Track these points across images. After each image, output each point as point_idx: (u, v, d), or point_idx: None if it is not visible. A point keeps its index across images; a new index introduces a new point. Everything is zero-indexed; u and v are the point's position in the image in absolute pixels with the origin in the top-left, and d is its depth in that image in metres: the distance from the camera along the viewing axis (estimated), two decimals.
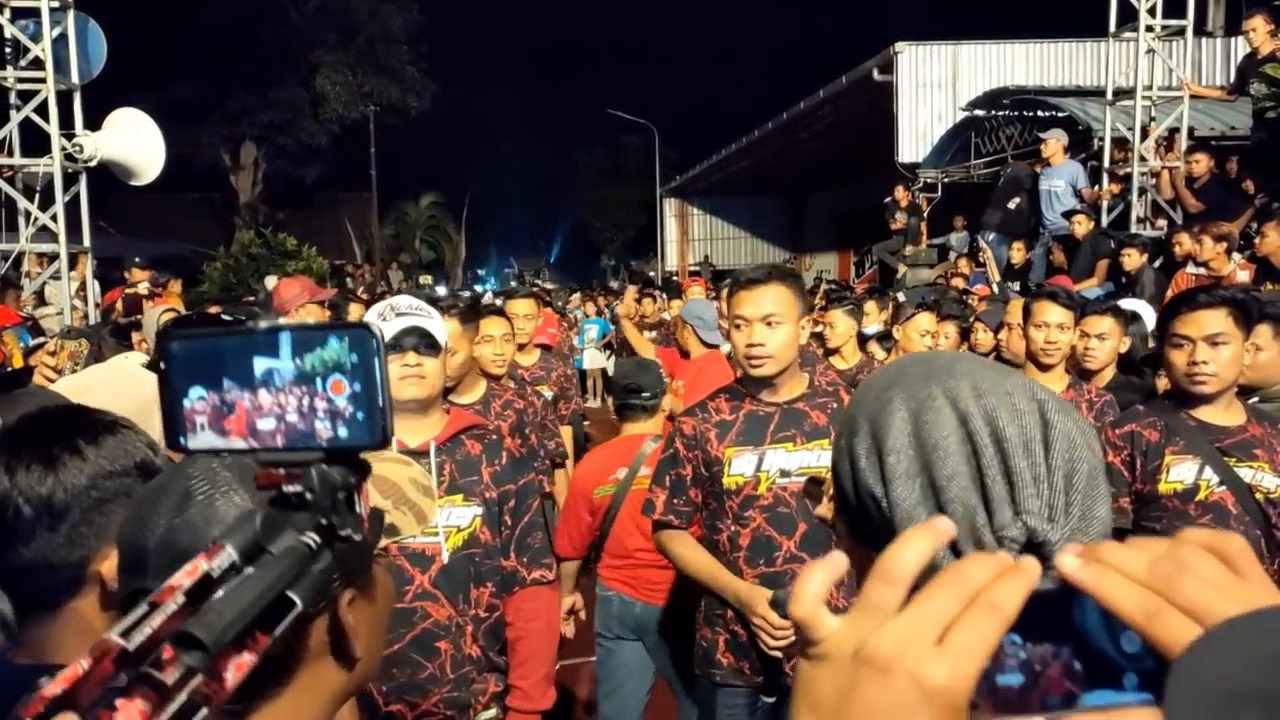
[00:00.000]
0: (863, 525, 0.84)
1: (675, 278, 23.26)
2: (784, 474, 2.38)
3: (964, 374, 0.82)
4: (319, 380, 0.62)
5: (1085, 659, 0.47)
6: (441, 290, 16.45)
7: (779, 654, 2.29)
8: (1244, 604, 0.45)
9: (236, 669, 0.51)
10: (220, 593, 0.53)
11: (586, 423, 11.47)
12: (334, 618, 0.80)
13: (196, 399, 0.65)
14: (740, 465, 2.39)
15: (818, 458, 2.39)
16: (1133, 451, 2.60)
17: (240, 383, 0.64)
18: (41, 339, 3.45)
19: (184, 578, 0.52)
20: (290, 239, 18.78)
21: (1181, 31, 8.59)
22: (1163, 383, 3.37)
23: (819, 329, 4.92)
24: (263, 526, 0.57)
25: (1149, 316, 4.20)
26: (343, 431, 0.62)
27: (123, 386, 1.86)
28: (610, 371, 11.30)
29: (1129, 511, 2.59)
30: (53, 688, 0.43)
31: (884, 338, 5.36)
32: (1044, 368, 3.31)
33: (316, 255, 18.91)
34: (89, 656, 0.46)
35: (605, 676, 3.24)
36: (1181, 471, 2.52)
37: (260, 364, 0.64)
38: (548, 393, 4.32)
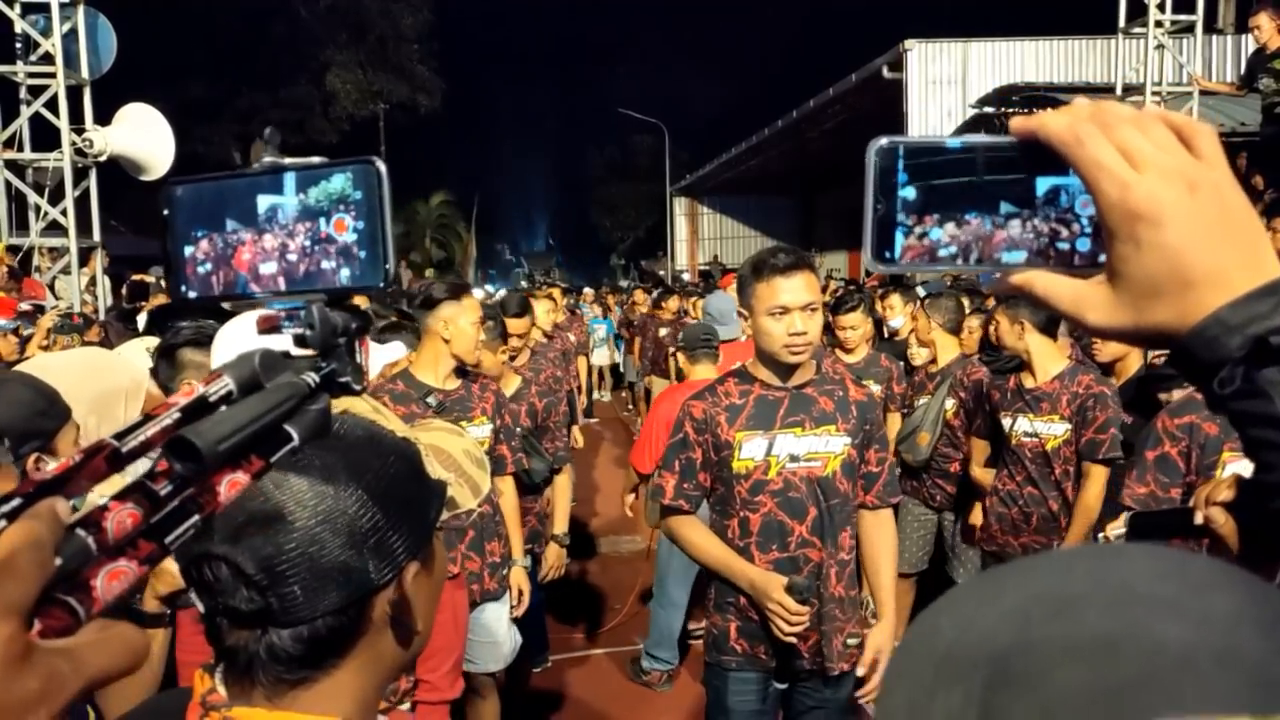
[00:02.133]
0: None
1: (685, 275, 23.25)
2: (793, 458, 2.38)
3: None
4: (322, 218, 0.60)
5: (1046, 231, 0.50)
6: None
7: (793, 639, 2.30)
8: (1184, 175, 0.46)
9: (230, 486, 0.51)
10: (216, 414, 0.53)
11: (594, 420, 11.66)
12: (399, 591, 0.79)
13: (200, 243, 0.63)
14: (750, 449, 2.39)
15: (825, 443, 2.39)
16: (1190, 444, 2.49)
17: (244, 222, 0.62)
18: (16, 323, 3.47)
19: (180, 398, 0.52)
20: None
21: (1191, 28, 8.54)
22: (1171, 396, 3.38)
23: (843, 332, 4.84)
24: (261, 364, 0.56)
25: None
26: (345, 273, 0.60)
27: (87, 373, 1.85)
28: (622, 367, 11.40)
29: (1176, 503, 2.51)
30: (44, 474, 0.43)
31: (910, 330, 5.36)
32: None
33: None
34: (82, 452, 0.46)
35: (675, 572, 4.30)
36: (1237, 469, 2.40)
37: (264, 201, 0.62)
38: (538, 402, 4.25)
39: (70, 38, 6.51)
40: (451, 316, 3.06)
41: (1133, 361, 3.67)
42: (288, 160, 0.64)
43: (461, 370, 3.28)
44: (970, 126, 13.32)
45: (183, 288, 0.64)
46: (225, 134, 26.08)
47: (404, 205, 35.76)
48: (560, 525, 3.90)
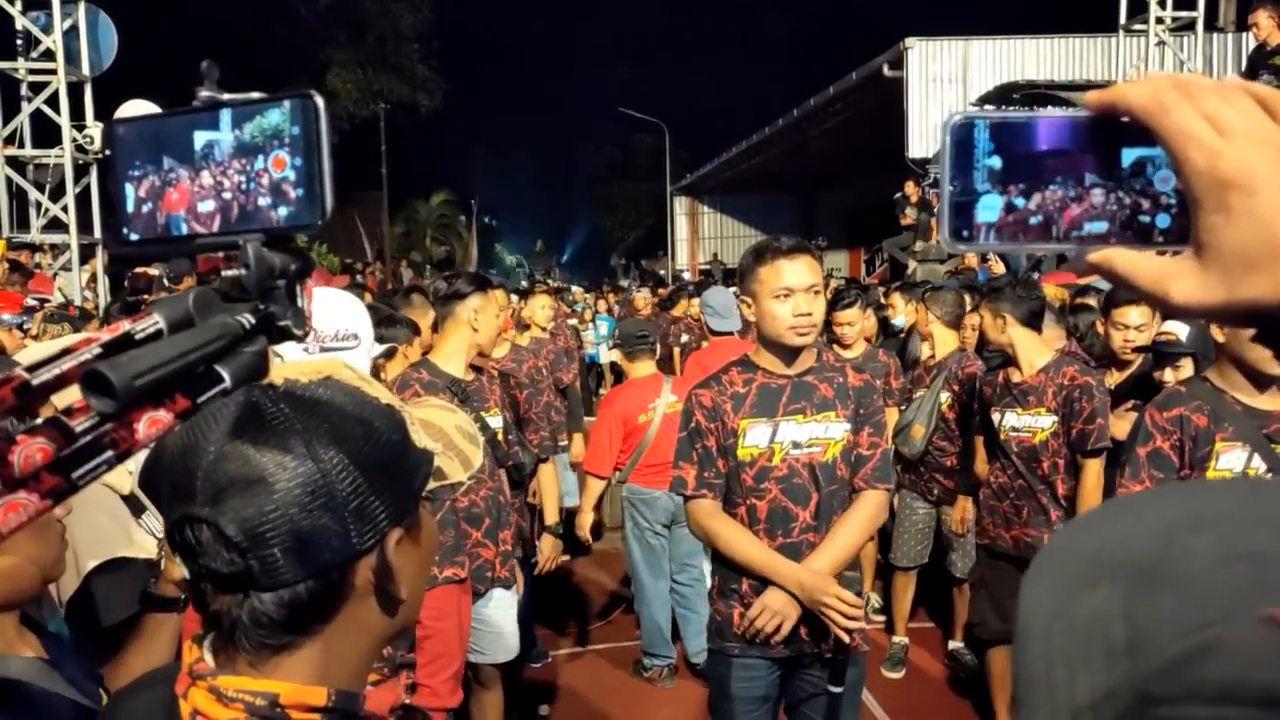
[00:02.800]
0: None
1: (685, 274, 23.24)
2: (796, 445, 2.41)
3: None
4: (260, 155, 0.59)
5: (1128, 205, 0.49)
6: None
7: (846, 636, 2.29)
8: (1274, 142, 0.45)
9: (150, 424, 0.49)
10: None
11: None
12: (381, 557, 0.79)
13: (140, 183, 0.62)
14: (755, 436, 2.41)
15: (825, 429, 2.43)
16: (1182, 437, 2.48)
17: (181, 159, 0.61)
18: (22, 318, 3.48)
19: (104, 334, 0.51)
20: (300, 236, 18.85)
21: (1192, 25, 8.54)
22: (1177, 373, 3.40)
23: (839, 328, 4.88)
24: (195, 303, 0.55)
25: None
26: (283, 210, 0.59)
27: None
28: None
29: None
30: None
31: (910, 330, 5.39)
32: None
33: (327, 253, 19.02)
34: None
35: (647, 564, 4.33)
36: (1231, 459, 2.42)
37: (201, 138, 0.61)
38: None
39: (71, 34, 6.53)
40: (480, 307, 3.15)
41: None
42: (226, 96, 0.62)
43: (472, 365, 3.33)
44: None
45: (124, 229, 0.63)
46: None
47: (405, 205, 35.80)
48: (551, 516, 3.90)
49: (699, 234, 28.60)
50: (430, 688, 2.28)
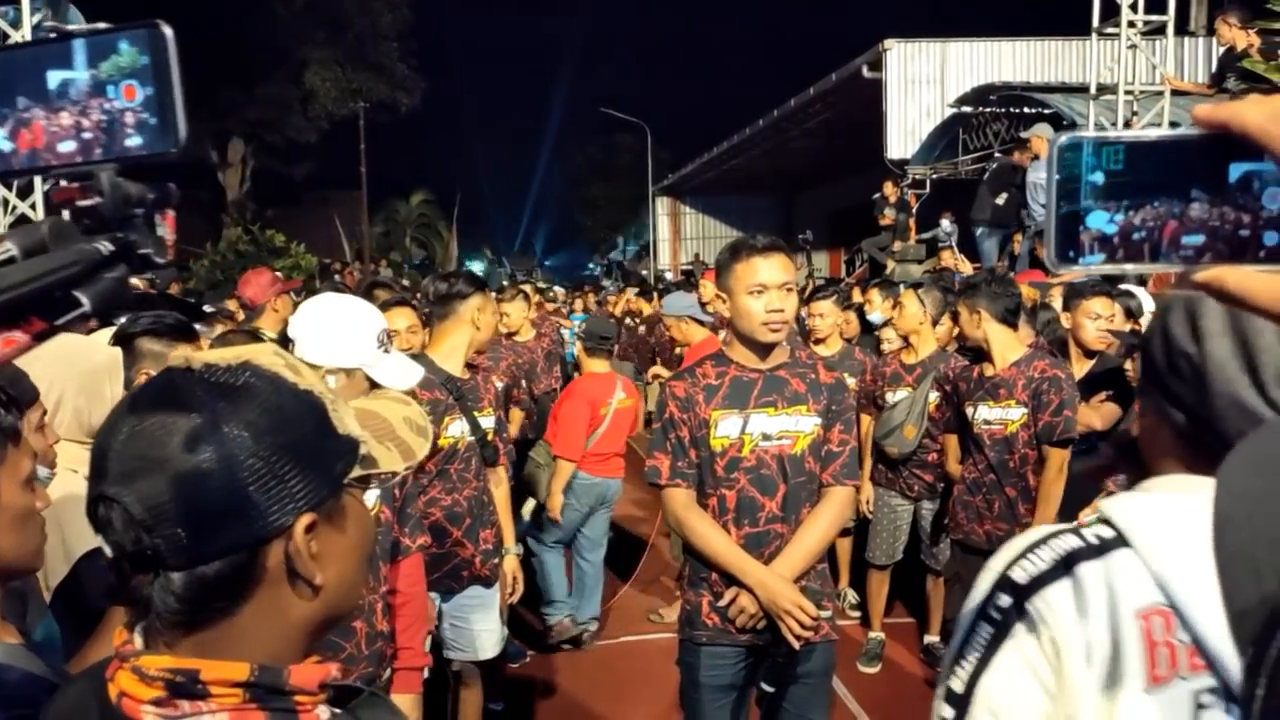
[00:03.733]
0: (1172, 387, 0.99)
1: (668, 274, 23.27)
2: (766, 437, 2.47)
3: None
4: (110, 86, 0.59)
5: (1231, 221, 0.49)
6: None
7: (798, 643, 2.38)
8: None
9: (5, 344, 0.50)
10: None
11: None
12: (294, 541, 0.79)
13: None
14: (726, 427, 2.47)
15: (796, 423, 2.48)
16: None
17: (34, 96, 0.61)
18: None
19: None
20: (279, 236, 18.76)
21: (1162, 29, 8.64)
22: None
23: (812, 320, 4.98)
24: (50, 231, 0.55)
25: (1146, 301, 4.38)
26: (136, 139, 0.59)
27: (67, 357, 1.86)
28: None
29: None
30: None
31: (886, 325, 5.43)
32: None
33: (305, 253, 18.89)
34: None
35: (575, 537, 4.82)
36: None
37: (55, 77, 0.61)
38: (498, 383, 4.22)
39: (41, 30, 6.45)
40: (482, 306, 3.22)
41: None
42: (71, 26, 0.62)
43: (467, 363, 3.34)
44: (948, 126, 13.43)
45: None
46: (201, 131, 25.85)
47: (384, 204, 35.61)
48: (508, 539, 3.72)
49: (681, 234, 28.64)
50: (412, 649, 2.41)
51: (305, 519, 0.79)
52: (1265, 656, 0.36)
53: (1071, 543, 0.98)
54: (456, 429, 3.13)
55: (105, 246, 0.57)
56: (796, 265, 17.56)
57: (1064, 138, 0.53)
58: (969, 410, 3.63)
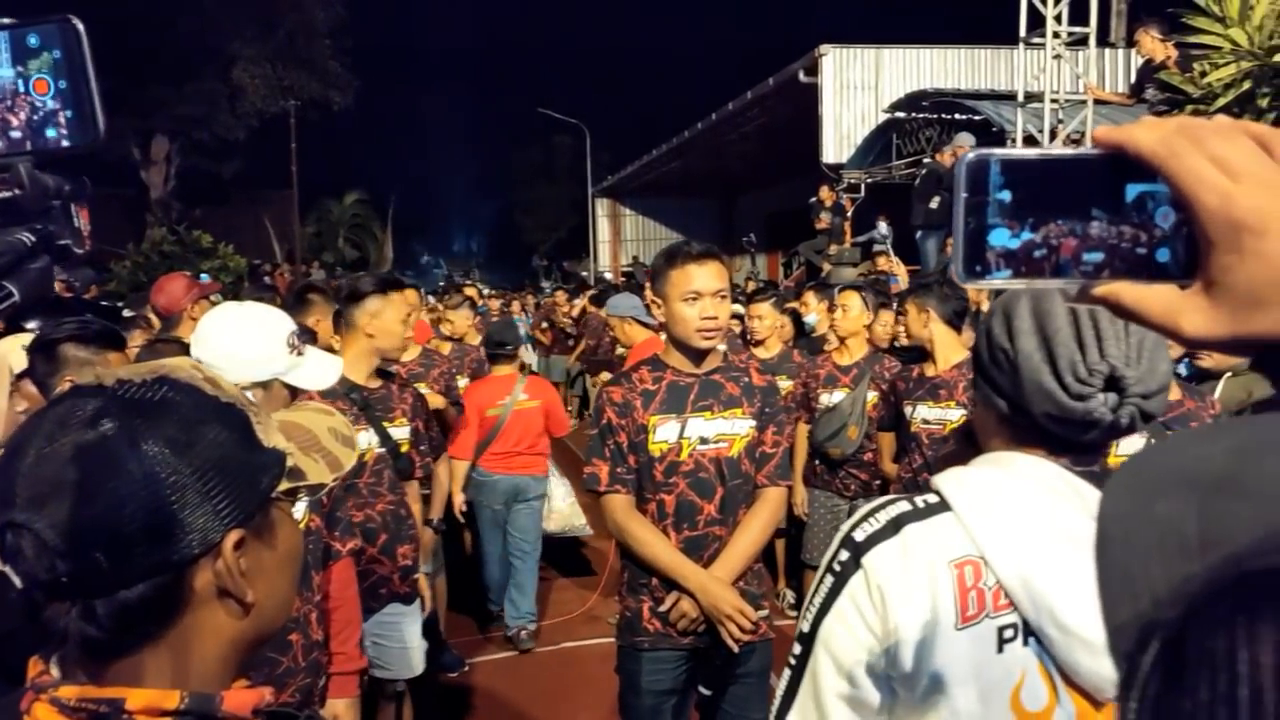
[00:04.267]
0: (995, 378, 1.18)
1: (608, 276, 23.27)
2: (703, 440, 2.49)
3: None
4: (20, 81, 0.59)
5: (1128, 239, 0.52)
6: None
7: (736, 647, 2.38)
8: (1274, 181, 0.48)
9: None
10: None
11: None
12: (222, 559, 0.76)
13: None
14: (664, 432, 2.48)
15: (731, 426, 2.51)
16: None
17: None
18: None
19: None
20: (206, 236, 18.22)
21: (1085, 39, 8.93)
22: None
23: (751, 321, 5.04)
24: None
25: None
26: (51, 132, 0.60)
27: None
28: (535, 367, 11.52)
29: None
30: None
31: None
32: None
33: (234, 254, 18.39)
34: None
35: (487, 534, 4.99)
36: (1126, 446, 2.53)
37: None
38: (425, 389, 4.21)
39: None
40: (377, 310, 3.04)
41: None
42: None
43: (383, 371, 3.23)
44: (882, 131, 13.69)
45: None
46: (124, 127, 25.01)
47: (317, 204, 34.94)
48: (435, 510, 3.91)
49: (621, 236, 28.67)
50: (345, 653, 2.38)
51: (234, 535, 0.76)
52: (1138, 671, 0.37)
53: (903, 508, 1.17)
54: (364, 440, 3.02)
55: (27, 237, 0.57)
56: (736, 268, 17.80)
57: (970, 155, 0.54)
58: (908, 409, 3.69)
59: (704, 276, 2.43)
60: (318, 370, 2.18)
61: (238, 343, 2.05)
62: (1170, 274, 0.51)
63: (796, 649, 1.19)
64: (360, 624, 2.50)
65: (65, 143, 0.59)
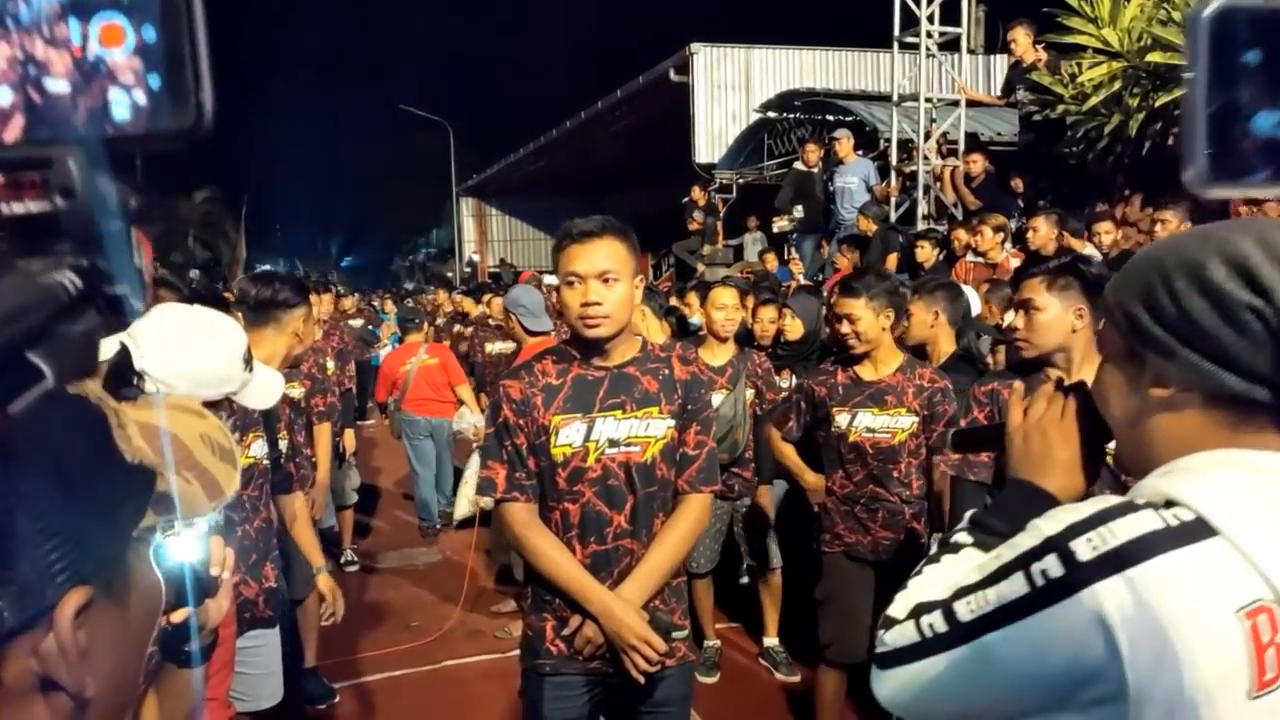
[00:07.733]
0: (1223, 347, 0.89)
1: (471, 268, 22.70)
2: (613, 444, 2.19)
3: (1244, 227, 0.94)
4: (74, 23, 0.35)
5: None
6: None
7: (640, 677, 2.13)
8: None
9: None
10: None
11: (371, 423, 11.02)
12: (54, 633, 0.50)
13: None
14: (568, 435, 2.18)
15: (646, 426, 2.22)
16: (993, 408, 2.66)
17: None
18: None
19: None
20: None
21: (956, 41, 9.17)
22: (998, 358, 3.80)
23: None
24: None
25: (974, 300, 4.59)
26: (121, 111, 0.36)
27: None
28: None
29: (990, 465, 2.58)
30: None
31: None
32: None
33: None
34: None
35: (417, 460, 6.87)
36: None
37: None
38: (296, 391, 4.07)
39: None
40: (306, 318, 3.04)
41: (945, 346, 3.84)
42: None
43: None
44: (754, 131, 13.78)
45: None
46: None
47: (161, 201, 32.77)
48: (315, 558, 3.25)
49: (487, 236, 28.11)
50: (215, 699, 2.18)
51: (75, 597, 0.50)
52: None
53: (1149, 523, 0.86)
54: (259, 449, 2.79)
55: (71, 281, 0.37)
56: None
57: (1214, 4, 0.38)
58: (842, 417, 3.37)
59: (585, 257, 2.14)
60: (265, 388, 1.98)
61: (197, 360, 1.87)
62: None
63: (940, 625, 0.94)
64: (233, 666, 2.24)
65: (152, 127, 0.37)
